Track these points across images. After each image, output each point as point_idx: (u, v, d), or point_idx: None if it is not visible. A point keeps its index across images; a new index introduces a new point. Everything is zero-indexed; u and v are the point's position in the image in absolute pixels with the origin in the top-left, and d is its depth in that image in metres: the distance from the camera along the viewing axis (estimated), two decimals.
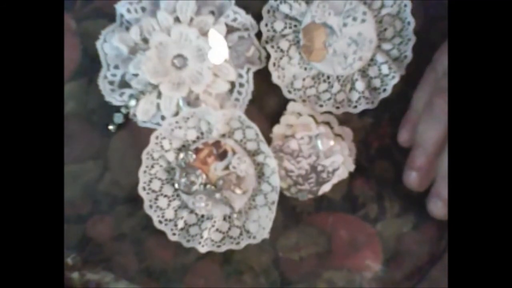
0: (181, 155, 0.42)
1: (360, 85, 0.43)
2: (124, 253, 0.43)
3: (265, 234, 0.42)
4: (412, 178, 0.41)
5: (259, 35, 0.44)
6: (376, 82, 0.44)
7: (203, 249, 0.41)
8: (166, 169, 0.42)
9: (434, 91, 0.40)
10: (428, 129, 0.40)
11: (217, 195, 0.41)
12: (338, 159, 0.42)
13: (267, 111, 0.44)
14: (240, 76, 0.43)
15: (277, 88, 0.44)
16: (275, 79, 0.44)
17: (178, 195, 0.42)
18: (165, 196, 0.42)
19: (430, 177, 0.41)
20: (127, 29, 0.43)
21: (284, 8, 0.44)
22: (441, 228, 0.42)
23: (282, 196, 0.42)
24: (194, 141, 0.43)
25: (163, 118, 0.43)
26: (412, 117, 0.42)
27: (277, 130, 0.43)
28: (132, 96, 0.43)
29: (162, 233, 0.42)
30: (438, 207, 0.40)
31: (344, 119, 0.44)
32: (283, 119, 0.43)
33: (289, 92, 0.44)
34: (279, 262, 0.43)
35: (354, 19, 0.43)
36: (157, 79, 0.42)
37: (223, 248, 0.42)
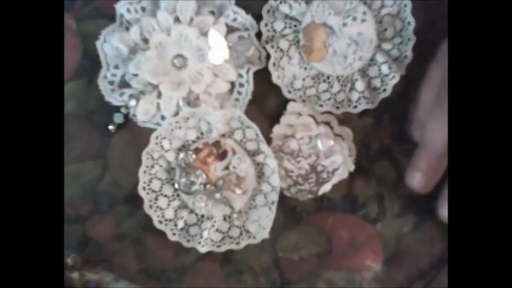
0: (181, 155, 0.42)
1: (360, 85, 0.43)
2: (124, 253, 0.43)
3: (265, 234, 0.42)
4: (417, 180, 0.40)
5: (259, 35, 0.44)
6: (376, 82, 0.44)
7: (203, 249, 0.41)
8: (166, 169, 0.42)
9: (443, 92, 0.40)
10: (438, 129, 0.39)
11: (217, 195, 0.41)
12: (338, 159, 0.42)
13: (267, 111, 0.44)
14: (240, 76, 0.43)
15: (277, 88, 0.44)
16: (275, 79, 0.44)
17: (178, 195, 0.42)
18: (165, 196, 0.42)
19: (436, 179, 0.40)
20: (127, 29, 0.43)
21: (284, 8, 0.44)
22: (441, 228, 0.42)
23: (282, 196, 0.42)
24: (194, 141, 0.43)
25: (163, 118, 0.43)
26: (421, 114, 0.41)
27: (277, 130, 0.43)
28: (132, 96, 0.43)
29: (162, 233, 0.42)
30: None
31: (344, 119, 0.44)
32: (283, 119, 0.43)
33: (289, 92, 0.44)
34: (279, 262, 0.43)
35: (354, 19, 0.43)
36: (157, 79, 0.42)
37: (223, 248, 0.42)
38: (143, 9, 0.44)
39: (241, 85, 0.44)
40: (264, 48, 0.44)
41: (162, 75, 0.43)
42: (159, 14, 0.43)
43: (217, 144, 0.42)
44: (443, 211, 0.40)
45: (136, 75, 0.43)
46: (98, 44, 0.44)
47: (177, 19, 0.43)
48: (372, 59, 0.44)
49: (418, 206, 0.43)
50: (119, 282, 0.42)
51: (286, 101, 0.44)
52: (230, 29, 0.44)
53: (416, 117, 0.41)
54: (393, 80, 0.43)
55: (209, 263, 0.43)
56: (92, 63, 0.44)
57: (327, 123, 0.44)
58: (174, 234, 0.42)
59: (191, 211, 0.42)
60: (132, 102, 0.43)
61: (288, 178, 0.43)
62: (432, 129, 0.39)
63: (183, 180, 0.42)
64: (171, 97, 0.43)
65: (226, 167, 0.42)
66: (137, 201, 0.42)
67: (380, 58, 0.43)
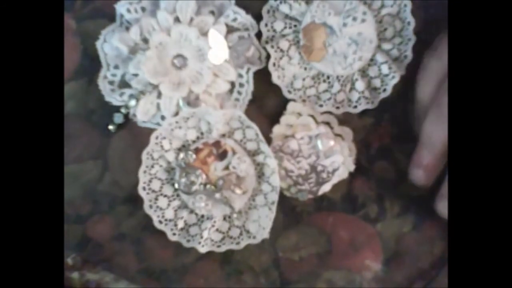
0: (181, 155, 0.42)
1: (360, 85, 0.43)
2: (124, 253, 0.43)
3: (265, 234, 0.42)
4: (419, 176, 0.41)
5: (259, 35, 0.44)
6: (376, 82, 0.44)
7: (203, 249, 0.41)
8: (166, 169, 0.42)
9: (441, 89, 0.40)
10: (436, 129, 0.39)
11: (217, 195, 0.41)
12: (338, 159, 0.42)
13: (267, 111, 0.44)
14: (240, 76, 0.43)
15: (277, 88, 0.44)
16: (275, 79, 0.44)
17: (178, 195, 0.42)
18: (165, 196, 0.42)
19: (437, 172, 0.41)
20: (127, 29, 0.43)
21: (284, 8, 0.44)
22: (441, 228, 0.42)
23: (282, 196, 0.42)
24: (194, 141, 0.43)
25: (163, 118, 0.43)
26: (420, 111, 0.41)
27: (277, 130, 0.43)
28: (132, 96, 0.43)
29: (162, 233, 0.42)
30: None
31: (344, 119, 0.44)
32: (283, 119, 0.43)
33: (289, 92, 0.44)
34: (279, 262, 0.43)
35: (354, 19, 0.43)
36: (157, 79, 0.42)
37: (223, 248, 0.42)
38: (143, 9, 0.44)
39: (241, 85, 0.44)
40: (264, 48, 0.44)
41: (162, 75, 0.43)
42: (159, 14, 0.43)
43: (217, 144, 0.42)
44: (442, 207, 0.40)
45: (136, 75, 0.43)
46: (98, 44, 0.44)
47: (177, 19, 0.43)
48: (372, 59, 0.44)
49: (418, 206, 0.43)
50: (119, 282, 0.42)
51: (286, 101, 0.44)
52: (230, 29, 0.44)
53: (418, 115, 0.42)
54: (393, 80, 0.43)
55: (209, 263, 0.43)
56: (92, 63, 0.44)
57: (327, 123, 0.44)
58: (174, 234, 0.42)
59: (191, 211, 0.42)
60: (132, 102, 0.43)
61: (288, 178, 0.43)
62: (430, 127, 0.40)
63: (183, 180, 0.42)
64: (171, 97, 0.43)
65: (226, 167, 0.42)
66: (137, 201, 0.42)
67: (380, 58, 0.43)
